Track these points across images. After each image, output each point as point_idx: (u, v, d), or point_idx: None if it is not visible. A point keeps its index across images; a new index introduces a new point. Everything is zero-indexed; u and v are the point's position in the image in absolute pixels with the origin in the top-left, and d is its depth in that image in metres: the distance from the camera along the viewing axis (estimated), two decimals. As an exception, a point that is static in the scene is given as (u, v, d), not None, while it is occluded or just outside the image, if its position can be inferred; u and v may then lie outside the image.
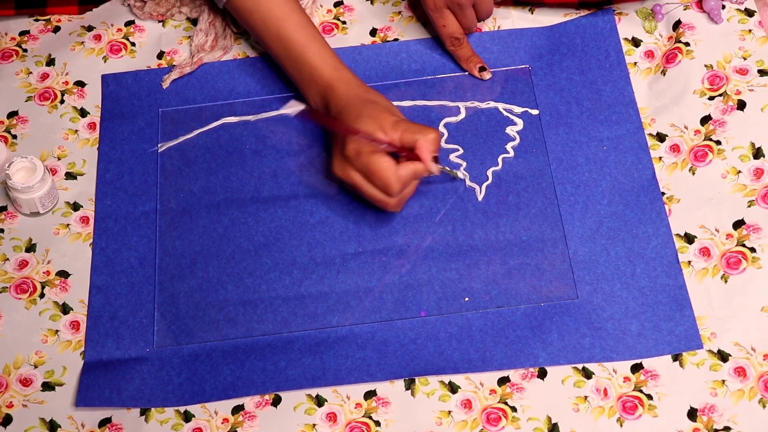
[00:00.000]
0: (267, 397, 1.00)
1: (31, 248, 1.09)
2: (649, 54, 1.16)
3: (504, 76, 1.16)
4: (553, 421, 0.97)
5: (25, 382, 1.02)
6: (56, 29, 1.23)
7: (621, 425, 0.96)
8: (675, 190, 1.07)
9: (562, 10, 1.19)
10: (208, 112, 1.16)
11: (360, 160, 1.01)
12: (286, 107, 0.95)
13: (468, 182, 1.10)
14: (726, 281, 1.01)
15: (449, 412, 0.98)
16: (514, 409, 0.98)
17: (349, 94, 1.06)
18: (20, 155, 1.08)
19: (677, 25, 1.16)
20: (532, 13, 1.20)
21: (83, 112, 1.17)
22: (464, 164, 1.11)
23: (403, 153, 1.02)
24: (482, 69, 1.16)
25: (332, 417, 0.99)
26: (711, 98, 1.11)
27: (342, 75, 1.07)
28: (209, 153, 1.14)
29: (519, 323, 1.01)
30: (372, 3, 1.21)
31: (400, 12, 1.21)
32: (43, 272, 1.08)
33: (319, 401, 0.99)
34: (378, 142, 1.00)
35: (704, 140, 1.09)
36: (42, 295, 1.06)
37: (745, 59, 1.12)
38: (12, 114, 1.17)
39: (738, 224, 1.04)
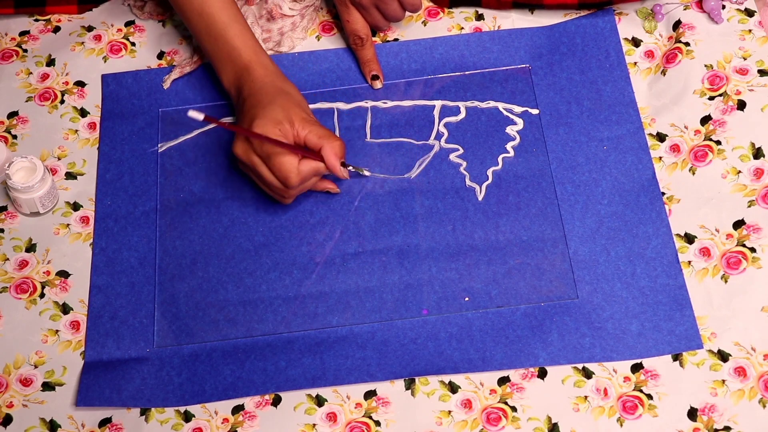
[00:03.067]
0: (267, 397, 1.00)
1: (31, 248, 1.09)
2: (649, 54, 1.16)
3: (504, 76, 1.16)
4: (553, 421, 0.97)
5: (25, 382, 1.02)
6: (56, 29, 1.23)
7: (621, 425, 0.96)
8: (675, 190, 1.07)
9: (562, 10, 1.19)
10: (208, 112, 1.16)
11: (263, 148, 1.01)
12: (190, 114, 0.95)
13: (468, 182, 1.10)
14: (726, 281, 1.01)
15: (449, 412, 0.98)
16: (514, 409, 0.98)
17: (264, 79, 1.05)
18: (20, 155, 1.08)
19: (677, 25, 1.16)
20: (532, 13, 1.20)
21: (83, 112, 1.17)
22: (464, 163, 1.11)
23: (306, 154, 1.02)
24: (375, 77, 1.16)
25: (332, 417, 0.99)
26: (711, 98, 1.11)
27: (260, 59, 1.07)
28: (209, 153, 1.14)
29: (519, 323, 1.01)
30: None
31: (400, 12, 1.21)
32: (43, 272, 1.08)
33: (319, 401, 0.99)
34: (280, 146, 1.00)
35: (704, 140, 1.09)
36: (42, 295, 1.06)
37: (745, 59, 1.12)
38: (12, 114, 1.17)
39: (738, 224, 1.04)
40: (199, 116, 0.94)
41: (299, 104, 1.04)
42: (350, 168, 1.08)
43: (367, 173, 1.10)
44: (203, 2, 1.08)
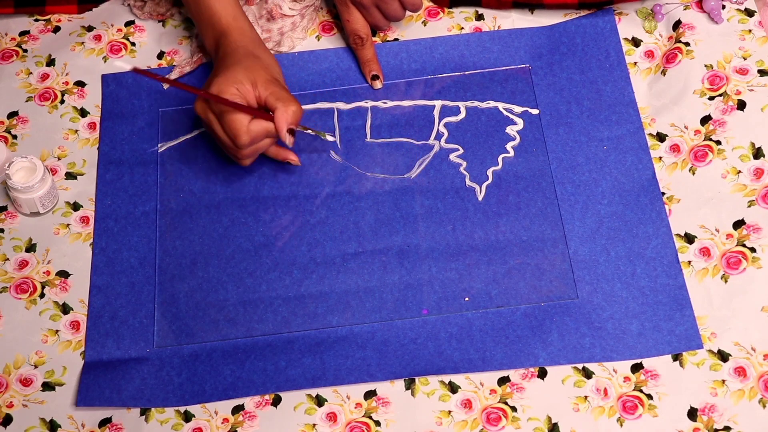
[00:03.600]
0: (267, 397, 1.00)
1: (31, 248, 1.09)
2: (649, 54, 1.16)
3: (504, 76, 1.16)
4: (553, 421, 0.97)
5: (25, 382, 1.02)
6: (56, 29, 1.23)
7: (621, 425, 0.96)
8: (675, 190, 1.07)
9: (562, 10, 1.19)
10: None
11: (218, 106, 1.01)
12: (122, 62, 0.95)
13: (468, 182, 1.10)
14: (726, 281, 1.01)
15: (449, 412, 0.98)
16: (514, 409, 0.98)
17: (238, 42, 1.06)
18: (20, 155, 1.08)
19: (677, 25, 1.16)
20: (532, 13, 1.20)
21: (83, 112, 1.17)
22: (464, 163, 1.11)
23: (258, 114, 1.02)
24: (375, 77, 1.16)
25: (332, 417, 0.99)
26: (711, 98, 1.11)
27: (238, 25, 1.07)
28: (209, 153, 1.14)
29: (519, 323, 1.01)
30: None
31: (400, 12, 1.21)
32: (43, 272, 1.08)
33: (319, 401, 0.99)
34: (227, 104, 1.00)
35: (704, 140, 1.09)
36: (42, 295, 1.06)
37: (745, 59, 1.12)
38: (12, 114, 1.17)
39: (738, 224, 1.04)
40: (127, 66, 0.94)
41: (266, 67, 1.04)
42: (309, 131, 1.08)
43: (330, 138, 1.10)
44: None
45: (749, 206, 1.04)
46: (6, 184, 1.09)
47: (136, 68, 0.96)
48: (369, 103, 1.16)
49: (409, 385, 0.99)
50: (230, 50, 1.05)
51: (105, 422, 1.00)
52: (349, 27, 1.15)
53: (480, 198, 1.09)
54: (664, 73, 1.13)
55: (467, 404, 0.98)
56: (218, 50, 1.07)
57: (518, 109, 1.14)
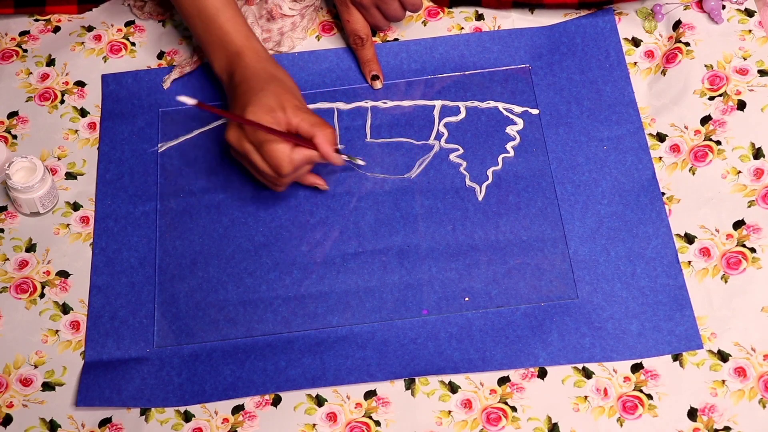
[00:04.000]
0: (267, 397, 1.00)
1: (31, 248, 1.09)
2: (649, 54, 1.16)
3: (504, 76, 1.16)
4: (553, 421, 0.97)
5: (25, 382, 1.02)
6: (56, 29, 1.23)
7: (621, 425, 0.96)
8: (675, 190, 1.07)
9: (562, 10, 1.19)
10: (208, 112, 1.16)
11: (256, 135, 1.00)
12: (180, 98, 0.94)
13: (468, 182, 1.10)
14: (726, 281, 1.01)
15: (449, 412, 0.98)
16: (514, 409, 0.98)
17: (256, 65, 1.04)
18: (20, 155, 1.08)
19: (677, 25, 1.16)
20: (532, 13, 1.20)
21: (83, 112, 1.17)
22: (464, 163, 1.11)
23: (298, 142, 1.01)
24: (375, 77, 1.15)
25: (332, 417, 0.99)
26: (711, 98, 1.11)
27: (252, 45, 1.06)
28: (209, 153, 1.14)
29: (519, 323, 1.01)
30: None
31: (400, 12, 1.21)
32: (43, 272, 1.08)
33: (319, 401, 0.99)
34: (273, 133, 0.99)
35: (704, 140, 1.09)
36: (42, 295, 1.06)
37: (745, 59, 1.12)
38: (12, 114, 1.17)
39: (738, 224, 1.04)
40: (191, 101, 0.93)
41: (291, 91, 1.03)
42: (345, 157, 1.08)
43: (361, 162, 1.10)
44: None
45: (749, 206, 1.04)
46: (6, 184, 1.08)
47: (200, 104, 0.94)
48: (369, 103, 1.16)
49: (409, 385, 0.99)
50: (249, 74, 1.04)
51: (105, 422, 1.00)
52: (349, 27, 1.15)
53: (480, 198, 1.09)
54: (664, 73, 1.13)
55: (467, 404, 0.98)
56: (233, 73, 1.05)
57: (518, 109, 1.14)
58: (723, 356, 0.98)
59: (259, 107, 1.00)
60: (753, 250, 1.02)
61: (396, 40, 1.19)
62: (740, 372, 0.97)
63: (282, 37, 1.19)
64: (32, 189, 1.07)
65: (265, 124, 0.99)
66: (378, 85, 1.16)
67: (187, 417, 0.99)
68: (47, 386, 1.02)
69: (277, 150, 0.99)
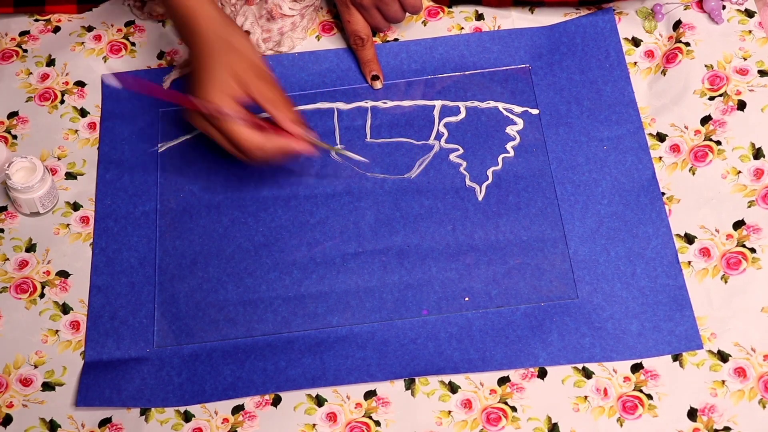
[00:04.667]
0: (267, 397, 1.00)
1: (31, 248, 1.09)
2: (649, 54, 1.16)
3: (504, 76, 1.16)
4: (553, 421, 0.97)
5: (25, 382, 1.02)
6: (56, 29, 1.23)
7: (621, 425, 0.96)
8: (675, 190, 1.07)
9: (562, 10, 1.19)
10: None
11: (219, 124, 0.96)
12: (107, 79, 0.90)
13: (468, 182, 1.10)
14: (726, 282, 1.01)
15: (449, 412, 0.98)
16: (514, 409, 0.98)
17: (207, 32, 0.97)
18: (20, 155, 1.08)
19: (677, 25, 1.16)
20: (532, 12, 1.20)
21: (83, 112, 1.17)
22: (464, 163, 1.11)
23: (259, 122, 0.98)
24: (375, 78, 1.15)
25: (332, 417, 0.99)
26: (711, 98, 1.11)
27: (205, 9, 0.98)
28: (209, 153, 1.13)
29: (519, 323, 1.01)
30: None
31: (400, 12, 1.21)
32: (43, 272, 1.08)
33: (319, 401, 0.99)
34: (224, 116, 0.94)
35: (704, 140, 1.09)
36: (42, 295, 1.06)
37: (745, 59, 1.12)
38: (12, 114, 1.17)
39: (738, 225, 1.04)
40: (115, 82, 0.89)
41: (244, 55, 0.97)
42: (314, 139, 1.04)
43: (339, 149, 1.09)
44: None
45: (749, 207, 1.04)
46: (6, 184, 1.08)
47: (133, 84, 0.88)
48: (369, 103, 1.16)
49: (409, 385, 0.99)
50: (202, 44, 0.97)
51: (105, 422, 1.00)
52: (349, 28, 1.15)
53: (480, 198, 1.09)
54: (664, 73, 1.13)
55: (467, 404, 0.98)
56: (189, 44, 0.99)
57: (518, 109, 1.14)
58: (723, 356, 0.98)
59: (213, 85, 0.94)
60: (753, 250, 1.02)
61: (396, 40, 1.19)
62: (740, 372, 0.97)
63: (282, 37, 1.19)
64: (32, 189, 1.07)
65: (226, 110, 0.93)
66: (378, 85, 1.16)
67: (187, 417, 0.99)
68: (47, 386, 1.02)
69: (243, 141, 0.96)
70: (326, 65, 1.18)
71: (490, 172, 1.11)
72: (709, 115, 1.10)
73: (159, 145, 1.15)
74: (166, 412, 1.00)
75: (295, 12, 1.19)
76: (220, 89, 0.95)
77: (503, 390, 0.99)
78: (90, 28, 1.22)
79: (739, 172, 1.06)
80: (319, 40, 1.20)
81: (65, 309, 1.06)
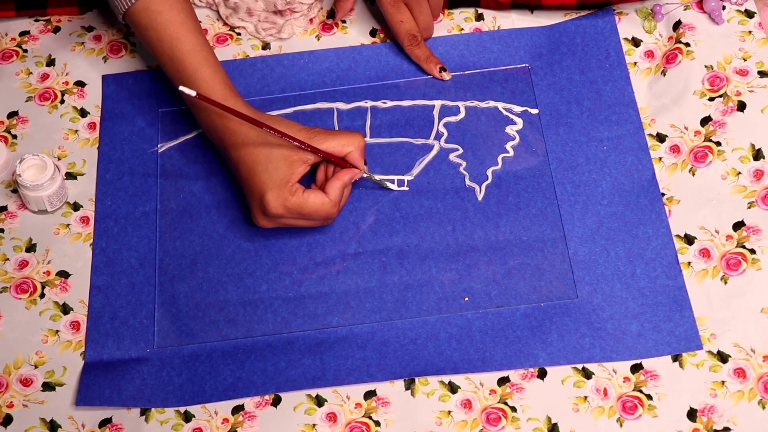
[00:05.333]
0: (267, 397, 1.00)
1: (31, 248, 1.09)
2: (649, 54, 1.16)
3: (504, 76, 1.16)
4: (553, 421, 0.97)
5: (26, 382, 1.02)
6: (56, 29, 1.23)
7: (621, 425, 0.96)
8: (675, 190, 1.07)
9: (562, 10, 1.19)
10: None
11: (289, 208, 1.00)
12: (183, 88, 0.94)
13: (468, 182, 1.10)
14: (726, 282, 1.01)
15: (449, 412, 0.98)
16: (514, 409, 0.98)
17: (245, 138, 1.02)
18: (32, 153, 1.08)
19: (677, 25, 1.16)
20: (532, 13, 1.20)
21: (83, 112, 1.17)
22: (464, 163, 1.11)
23: (330, 160, 1.02)
24: (442, 69, 1.15)
25: (332, 417, 0.99)
26: (711, 99, 1.11)
27: (232, 104, 1.02)
28: (209, 153, 1.14)
29: (519, 323, 1.02)
30: (372, 3, 1.21)
31: (400, 12, 1.21)
32: (44, 272, 1.08)
33: (319, 401, 0.99)
34: (300, 143, 0.99)
35: (704, 141, 1.09)
36: (42, 295, 1.06)
37: (745, 60, 1.12)
38: (12, 114, 1.17)
39: (738, 225, 1.04)
40: (191, 92, 0.93)
41: (293, 123, 1.03)
42: (375, 179, 1.09)
43: (392, 186, 1.10)
44: (173, 46, 1.03)
45: (749, 208, 1.04)
46: (14, 182, 1.09)
47: (199, 95, 0.92)
48: (369, 103, 1.16)
49: (409, 385, 0.99)
50: (244, 149, 1.02)
51: (105, 422, 1.00)
52: (402, 28, 1.14)
53: (480, 198, 1.09)
54: (664, 73, 1.14)
55: (467, 404, 0.98)
56: (223, 141, 1.04)
57: (518, 108, 1.14)
58: (723, 357, 0.98)
59: (280, 187, 1.00)
60: (753, 251, 1.02)
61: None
62: (740, 373, 0.97)
63: (284, 23, 1.19)
64: (41, 187, 1.07)
65: (295, 138, 0.99)
66: (447, 76, 1.15)
67: (187, 417, 0.99)
68: (47, 386, 1.02)
69: (318, 208, 1.00)
70: (326, 65, 1.18)
71: (489, 172, 1.11)
72: (709, 116, 1.10)
73: (159, 145, 1.15)
74: (166, 413, 1.00)
75: (304, 7, 1.19)
76: (283, 188, 1.00)
77: (503, 390, 0.99)
78: (90, 28, 1.22)
79: (739, 173, 1.06)
80: (319, 40, 1.20)
81: (65, 309, 1.06)
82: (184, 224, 1.10)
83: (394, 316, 1.03)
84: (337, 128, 1.14)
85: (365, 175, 1.05)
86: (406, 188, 1.10)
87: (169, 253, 1.08)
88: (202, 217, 1.10)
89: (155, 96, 1.17)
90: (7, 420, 1.00)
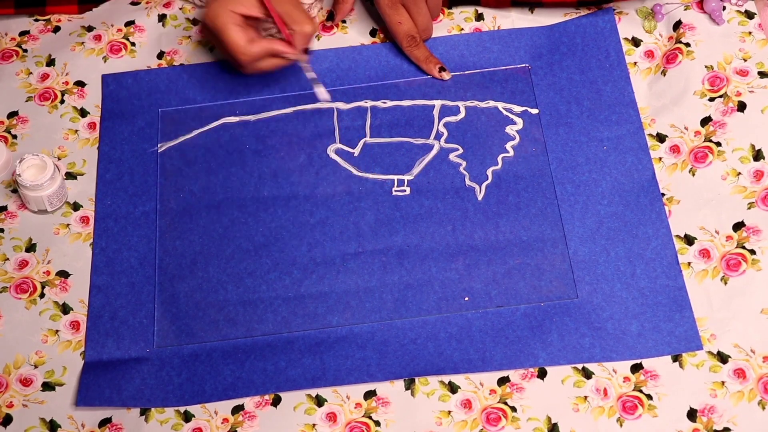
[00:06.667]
0: (267, 397, 1.00)
1: (31, 248, 1.09)
2: (649, 54, 1.16)
3: (504, 76, 1.16)
4: (552, 421, 0.97)
5: (25, 382, 1.02)
6: (56, 29, 1.23)
7: (621, 425, 0.96)
8: (675, 191, 1.07)
9: (561, 10, 1.19)
10: (208, 112, 1.16)
11: (215, 25, 1.07)
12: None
13: (468, 182, 1.10)
14: (726, 283, 1.01)
15: (449, 412, 0.98)
16: (514, 409, 0.98)
17: None
18: (31, 153, 1.08)
19: (677, 25, 1.16)
20: (532, 12, 1.20)
21: (83, 112, 1.17)
22: (464, 163, 1.11)
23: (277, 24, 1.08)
24: (442, 69, 1.15)
25: (332, 417, 0.99)
26: (711, 99, 1.11)
27: None
28: (209, 153, 1.14)
29: (519, 323, 1.02)
30: (372, 3, 1.21)
31: (400, 11, 1.21)
32: (43, 272, 1.08)
33: (319, 401, 0.99)
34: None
35: (704, 141, 1.09)
36: (42, 295, 1.06)
37: (745, 61, 1.12)
38: (12, 114, 1.17)
39: (738, 226, 1.04)
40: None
41: None
42: (312, 75, 1.12)
43: (324, 94, 1.14)
44: None
45: (749, 208, 1.04)
46: (14, 182, 1.09)
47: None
48: (369, 103, 1.16)
49: (409, 385, 0.99)
50: None
51: (105, 422, 1.00)
52: (401, 29, 1.14)
53: (480, 198, 1.09)
54: (664, 73, 1.14)
55: (467, 404, 0.98)
56: None
57: (518, 108, 1.14)
58: (723, 357, 0.98)
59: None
60: (753, 251, 1.02)
61: (396, 39, 1.19)
62: (740, 373, 0.97)
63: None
64: (41, 187, 1.07)
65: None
66: (446, 76, 1.15)
67: (187, 417, 0.99)
68: (47, 386, 1.02)
69: (231, 44, 1.06)
70: (326, 65, 1.18)
71: (489, 172, 1.11)
72: (709, 116, 1.10)
73: (159, 145, 1.15)
74: (166, 412, 1.00)
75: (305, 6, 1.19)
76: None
77: (503, 390, 0.99)
78: (90, 28, 1.22)
79: (739, 173, 1.06)
80: (319, 40, 1.20)
81: (65, 309, 1.06)
82: (184, 224, 1.10)
83: (394, 315, 1.03)
84: (336, 128, 1.14)
85: (299, 63, 1.10)
86: (406, 189, 1.10)
87: (169, 253, 1.08)
88: (202, 217, 1.10)
89: (155, 96, 1.17)
90: (7, 420, 1.00)
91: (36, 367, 1.03)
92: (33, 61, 1.20)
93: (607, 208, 1.07)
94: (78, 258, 1.08)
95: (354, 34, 1.20)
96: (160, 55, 1.20)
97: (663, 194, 1.07)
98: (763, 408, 0.95)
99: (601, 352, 0.99)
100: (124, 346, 1.03)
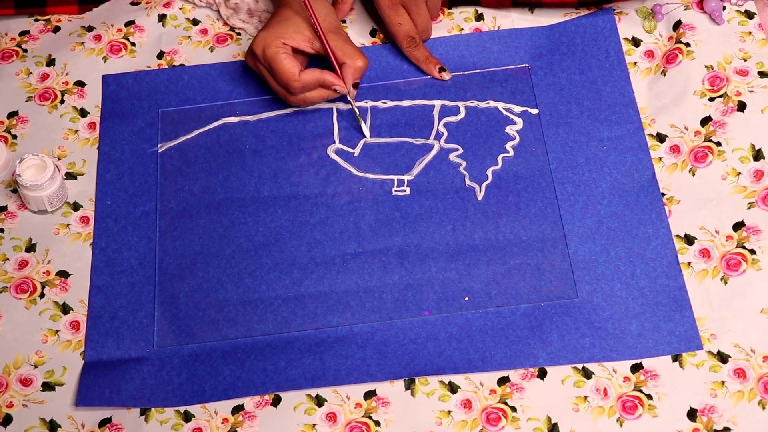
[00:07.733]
0: (267, 397, 1.00)
1: (31, 248, 1.09)
2: (649, 54, 1.16)
3: (504, 76, 1.16)
4: (553, 421, 0.97)
5: (25, 382, 1.02)
6: (56, 29, 1.23)
7: (621, 425, 0.96)
8: (675, 190, 1.07)
9: (561, 10, 1.19)
10: (208, 112, 1.16)
11: (265, 55, 1.07)
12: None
13: (468, 182, 1.10)
14: (726, 283, 1.01)
15: (449, 412, 0.98)
16: (514, 409, 0.98)
17: None
18: (31, 153, 1.08)
19: (678, 25, 1.16)
20: (532, 12, 1.20)
21: (83, 112, 1.17)
22: (464, 163, 1.11)
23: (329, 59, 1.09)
24: (442, 69, 1.15)
25: (332, 417, 0.99)
26: (711, 99, 1.11)
27: None
28: (209, 153, 1.14)
29: (519, 323, 1.02)
30: (372, 3, 1.21)
31: (400, 11, 1.21)
32: (43, 272, 1.08)
33: (319, 401, 0.99)
34: (318, 25, 1.07)
35: (704, 141, 1.09)
36: (42, 295, 1.06)
37: (745, 61, 1.12)
38: (12, 114, 1.17)
39: (738, 226, 1.04)
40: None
41: (308, 28, 1.09)
42: (353, 99, 1.12)
43: (365, 131, 1.13)
44: None
45: (749, 208, 1.04)
46: (14, 182, 1.09)
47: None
48: (369, 103, 1.16)
49: (409, 385, 0.99)
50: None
51: (105, 422, 1.00)
52: (401, 30, 1.14)
53: (480, 198, 1.09)
54: (664, 73, 1.14)
55: (467, 404, 0.98)
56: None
57: (518, 108, 1.14)
58: (723, 357, 0.98)
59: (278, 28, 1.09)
60: (753, 251, 1.02)
61: (396, 40, 1.19)
62: (740, 373, 0.97)
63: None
64: (41, 187, 1.07)
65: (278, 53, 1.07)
66: (447, 76, 1.15)
67: (187, 417, 0.99)
68: (47, 386, 1.02)
69: (283, 72, 1.07)
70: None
71: (489, 172, 1.11)
72: (709, 116, 1.10)
73: (159, 145, 1.15)
74: (166, 412, 1.00)
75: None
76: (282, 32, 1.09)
77: (503, 390, 0.99)
78: (90, 28, 1.22)
79: (739, 173, 1.06)
80: (319, 39, 1.20)
81: (65, 309, 1.06)
82: (184, 224, 1.10)
83: (394, 315, 1.03)
84: (336, 128, 1.14)
85: (347, 95, 1.10)
86: (406, 189, 1.10)
87: (169, 253, 1.08)
88: (202, 217, 1.10)
89: (155, 96, 1.17)
90: (7, 420, 1.00)
91: (36, 367, 1.03)
92: (33, 61, 1.20)
93: (607, 208, 1.07)
94: (78, 258, 1.08)
95: (354, 34, 1.20)
96: (160, 55, 1.20)
97: (663, 194, 1.07)
98: (764, 408, 0.95)
99: (601, 352, 0.99)
100: (124, 346, 1.03)
